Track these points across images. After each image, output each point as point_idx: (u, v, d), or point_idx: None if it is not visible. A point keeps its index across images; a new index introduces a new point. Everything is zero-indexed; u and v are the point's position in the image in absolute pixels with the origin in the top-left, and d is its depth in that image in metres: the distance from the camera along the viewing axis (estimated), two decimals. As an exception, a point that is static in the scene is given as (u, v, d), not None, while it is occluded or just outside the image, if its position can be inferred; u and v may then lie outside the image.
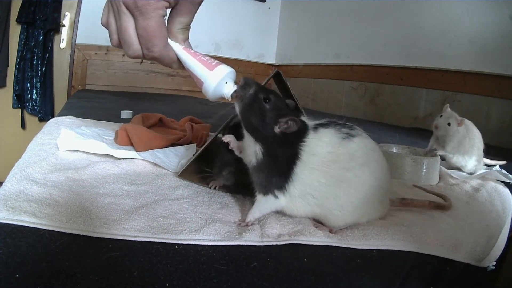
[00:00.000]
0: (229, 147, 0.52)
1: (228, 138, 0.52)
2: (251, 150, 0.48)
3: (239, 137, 0.52)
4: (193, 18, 0.47)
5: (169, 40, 0.45)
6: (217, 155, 0.58)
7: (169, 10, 0.45)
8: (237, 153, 0.52)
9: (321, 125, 0.49)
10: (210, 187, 0.60)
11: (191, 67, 0.46)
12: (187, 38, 0.47)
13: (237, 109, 0.48)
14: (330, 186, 0.47)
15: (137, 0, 0.39)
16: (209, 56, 0.47)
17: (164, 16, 0.42)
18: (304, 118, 0.49)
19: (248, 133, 0.48)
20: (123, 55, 2.22)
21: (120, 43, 0.44)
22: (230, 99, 0.48)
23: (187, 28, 0.47)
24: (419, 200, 0.59)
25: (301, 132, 0.47)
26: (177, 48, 0.46)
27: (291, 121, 0.45)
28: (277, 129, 0.46)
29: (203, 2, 0.46)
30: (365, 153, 0.48)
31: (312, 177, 0.47)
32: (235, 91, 0.46)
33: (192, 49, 0.47)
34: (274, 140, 0.46)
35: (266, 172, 0.48)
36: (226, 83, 0.46)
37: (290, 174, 0.47)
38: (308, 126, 0.48)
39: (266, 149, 0.47)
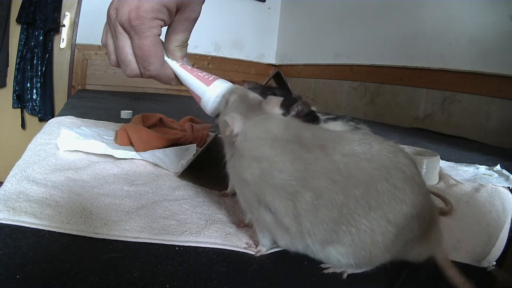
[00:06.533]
0: None
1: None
2: None
3: None
4: (189, 35, 0.47)
5: (166, 58, 0.46)
6: None
7: (165, 28, 0.45)
8: None
9: (330, 119, 0.50)
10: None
11: (189, 83, 0.46)
12: (185, 55, 0.48)
13: None
14: None
15: (131, 19, 0.40)
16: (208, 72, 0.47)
17: (159, 35, 0.43)
18: (314, 108, 0.50)
19: None
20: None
21: (118, 63, 0.45)
22: None
23: (184, 45, 0.47)
24: None
25: (314, 122, 0.48)
26: (174, 65, 0.46)
27: (301, 105, 0.46)
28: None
29: (203, 4, 0.46)
30: None
31: None
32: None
33: (189, 65, 0.47)
34: None
35: None
36: None
37: None
38: (319, 117, 0.49)
39: None
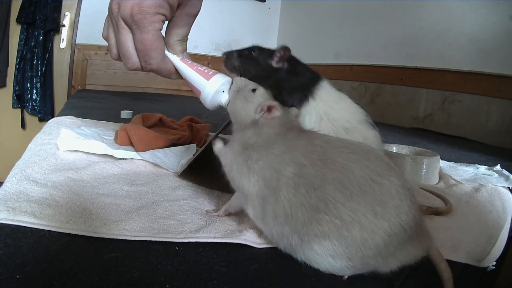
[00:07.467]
0: None
1: None
2: None
3: None
4: (190, 30, 0.48)
5: (166, 52, 0.46)
6: None
7: (166, 23, 0.46)
8: None
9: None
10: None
11: (189, 77, 0.47)
12: (185, 49, 0.48)
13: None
14: None
15: (134, 14, 0.40)
16: (206, 66, 0.48)
17: (160, 30, 0.44)
18: None
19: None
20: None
21: (119, 56, 0.45)
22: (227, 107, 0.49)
23: (184, 39, 0.48)
24: None
25: (315, 79, 0.56)
26: (175, 59, 0.47)
27: (282, 49, 0.52)
28: (274, 63, 0.48)
29: (202, 2, 0.47)
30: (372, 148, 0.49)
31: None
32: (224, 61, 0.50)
33: (189, 60, 0.48)
34: (280, 76, 0.54)
35: None
36: (223, 91, 0.47)
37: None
38: (306, 65, 0.57)
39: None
